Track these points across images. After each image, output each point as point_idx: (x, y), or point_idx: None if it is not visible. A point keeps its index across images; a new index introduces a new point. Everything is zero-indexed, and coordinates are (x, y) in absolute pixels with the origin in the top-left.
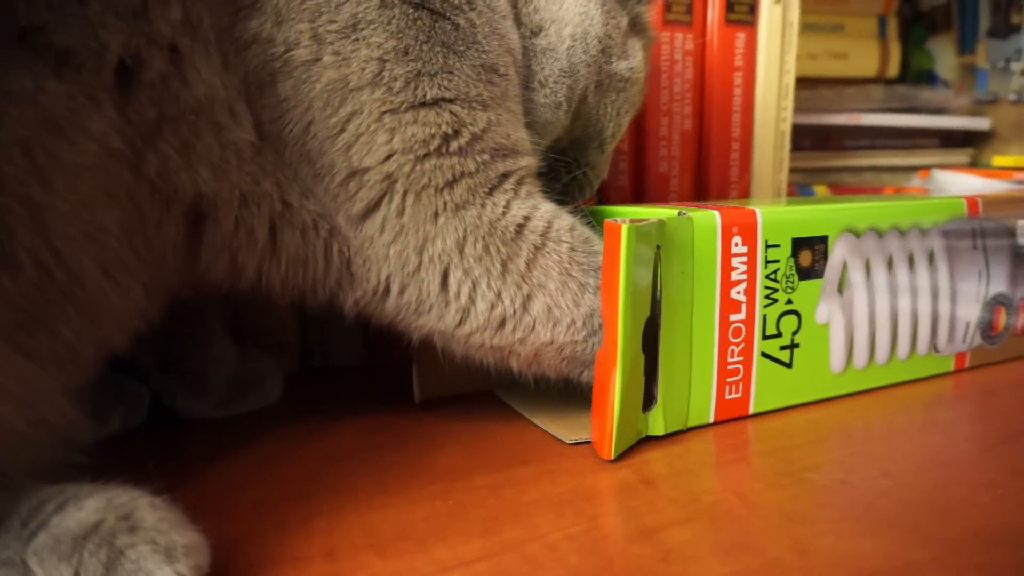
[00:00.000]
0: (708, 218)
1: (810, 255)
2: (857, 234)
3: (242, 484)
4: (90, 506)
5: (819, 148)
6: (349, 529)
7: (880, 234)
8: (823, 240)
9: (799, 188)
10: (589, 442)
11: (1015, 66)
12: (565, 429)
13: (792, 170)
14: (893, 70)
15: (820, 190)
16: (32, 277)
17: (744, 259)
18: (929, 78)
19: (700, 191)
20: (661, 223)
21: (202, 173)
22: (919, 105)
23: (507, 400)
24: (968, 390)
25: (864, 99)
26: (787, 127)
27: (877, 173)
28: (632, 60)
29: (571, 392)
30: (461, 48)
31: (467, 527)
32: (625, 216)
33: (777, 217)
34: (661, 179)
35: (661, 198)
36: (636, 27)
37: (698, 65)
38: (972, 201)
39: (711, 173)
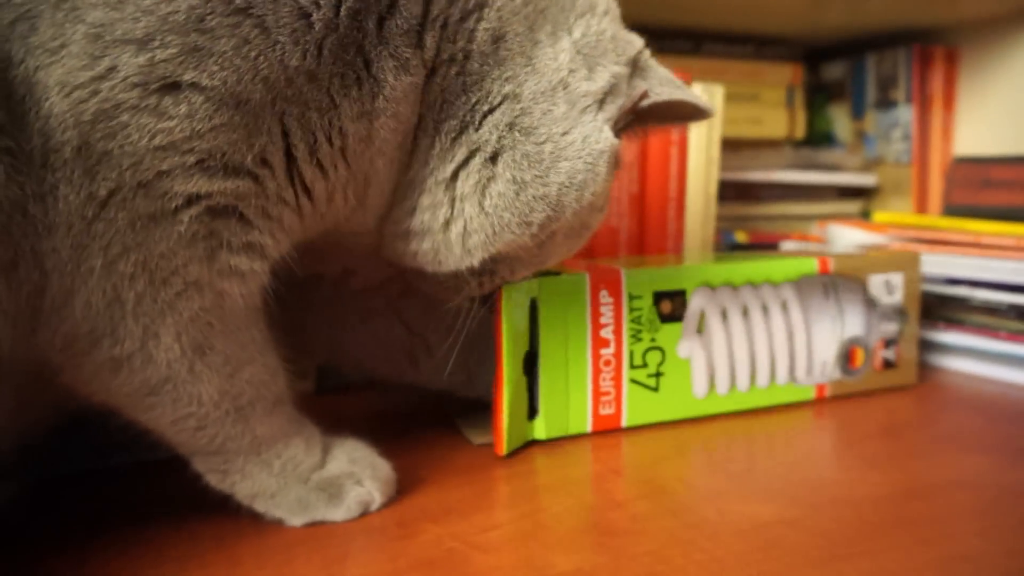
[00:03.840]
0: (579, 279)
1: (670, 304)
2: (712, 287)
3: None
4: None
5: (740, 199)
6: (408, 507)
7: (734, 287)
8: (681, 293)
9: (724, 234)
10: (491, 444)
11: (894, 134)
12: (479, 433)
13: (718, 218)
14: (800, 133)
15: (741, 236)
16: None
17: (611, 307)
18: (829, 140)
19: (643, 240)
20: (539, 281)
21: None
22: (820, 163)
23: (454, 416)
24: (829, 407)
25: (775, 158)
26: (713, 190)
27: (786, 221)
28: None
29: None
30: None
31: (495, 502)
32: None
33: (639, 277)
34: (612, 232)
35: (611, 247)
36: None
37: (642, 141)
38: (823, 260)
39: (651, 227)
